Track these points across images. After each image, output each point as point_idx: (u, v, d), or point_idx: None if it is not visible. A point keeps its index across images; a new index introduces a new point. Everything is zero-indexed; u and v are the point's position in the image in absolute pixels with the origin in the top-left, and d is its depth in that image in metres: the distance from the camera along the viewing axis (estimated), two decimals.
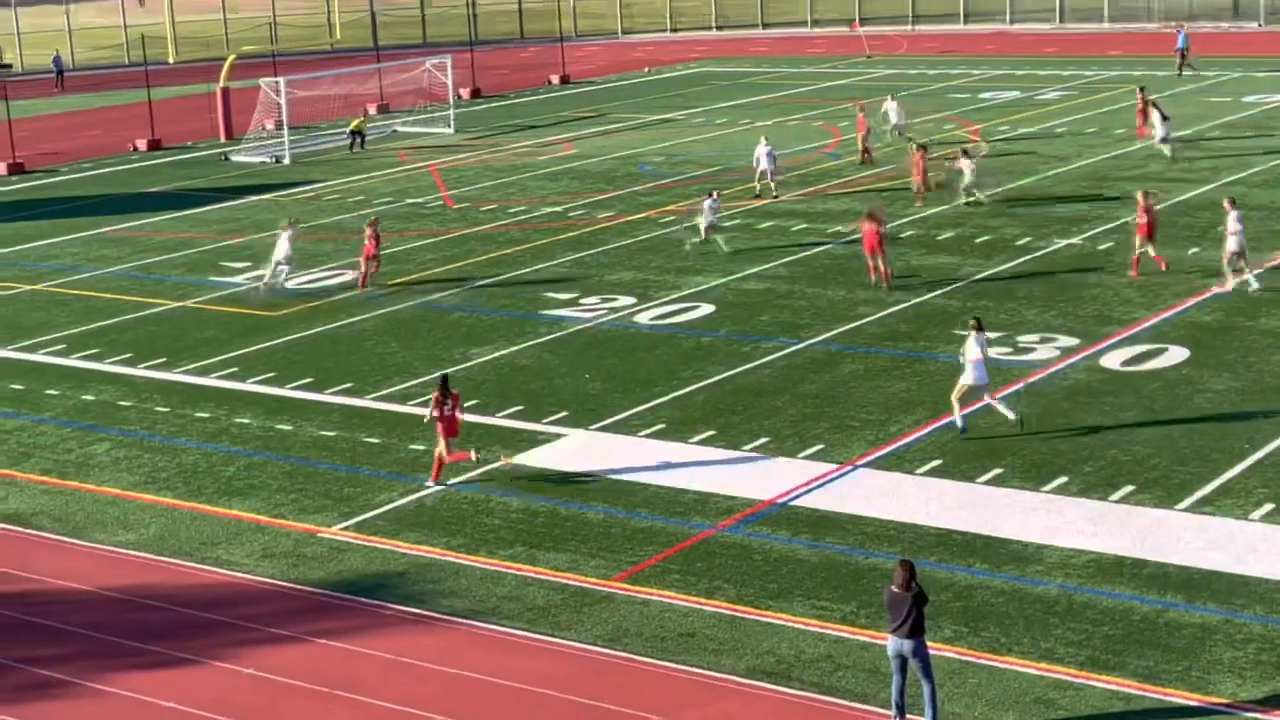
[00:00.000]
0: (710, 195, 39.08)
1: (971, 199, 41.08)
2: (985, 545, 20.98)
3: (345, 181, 50.96)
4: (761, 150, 44.36)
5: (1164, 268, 33.34)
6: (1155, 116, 47.85)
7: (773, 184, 44.22)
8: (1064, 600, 19.33)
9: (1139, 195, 34.09)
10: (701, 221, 38.41)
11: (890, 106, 52.24)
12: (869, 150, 47.92)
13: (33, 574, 21.80)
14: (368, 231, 36.44)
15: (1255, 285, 32.11)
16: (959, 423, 24.96)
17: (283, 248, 36.61)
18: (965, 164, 41.80)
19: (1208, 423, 25.00)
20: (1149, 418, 25.34)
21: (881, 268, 33.87)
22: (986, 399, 25.08)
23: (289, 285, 36.66)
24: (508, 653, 18.82)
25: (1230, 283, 32.26)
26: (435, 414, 24.07)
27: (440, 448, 24.09)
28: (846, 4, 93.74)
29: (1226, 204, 32.66)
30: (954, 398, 25.07)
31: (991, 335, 29.83)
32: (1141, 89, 52.28)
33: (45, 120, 70.95)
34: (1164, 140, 46.94)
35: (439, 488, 23.99)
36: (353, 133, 58.17)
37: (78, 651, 19.50)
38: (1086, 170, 45.44)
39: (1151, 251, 33.42)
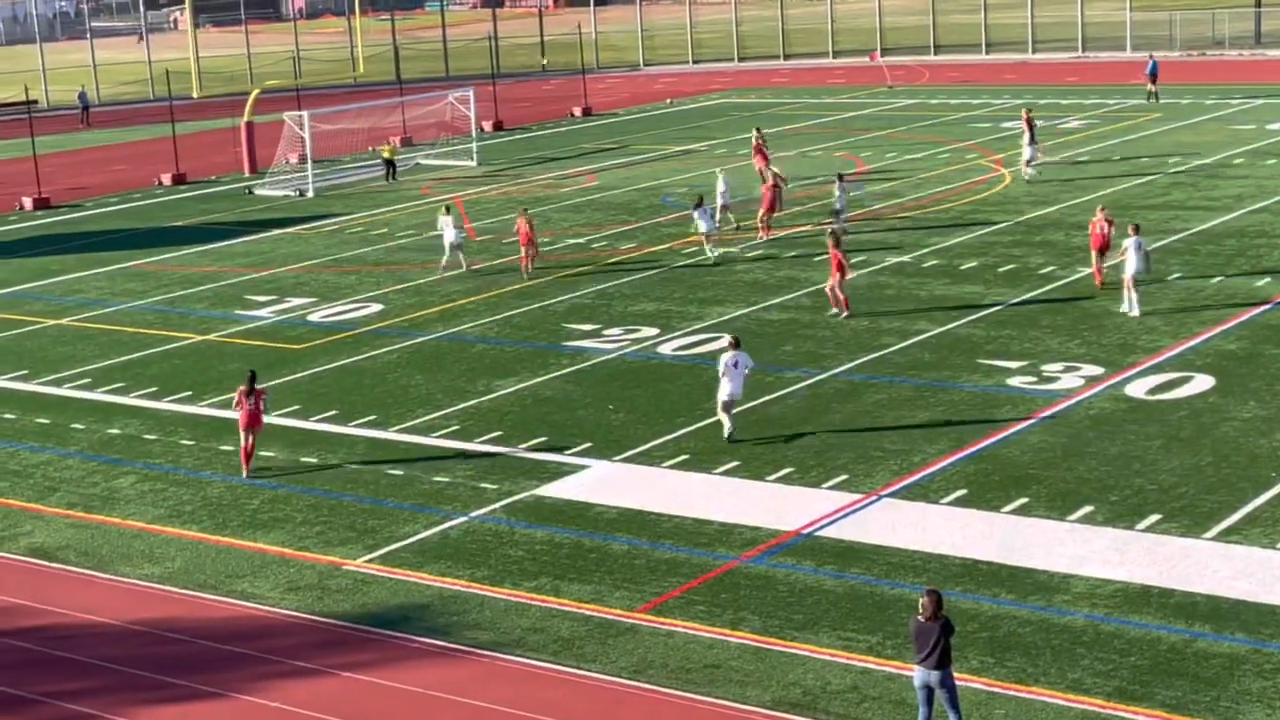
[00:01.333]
0: (699, 203, 41.00)
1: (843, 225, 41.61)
2: (1011, 575, 20.90)
3: (369, 214, 51.13)
4: (719, 186, 44.34)
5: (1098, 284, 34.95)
6: (1026, 136, 49.35)
7: (732, 218, 44.37)
8: (1091, 630, 19.23)
9: (1098, 210, 35.60)
10: (703, 226, 40.56)
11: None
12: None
13: (58, 608, 21.84)
14: (520, 221, 39.86)
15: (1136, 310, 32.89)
16: (727, 428, 26.66)
17: (448, 233, 40.42)
18: (836, 188, 42.91)
19: (1234, 451, 24.90)
20: (1175, 446, 25.25)
21: (840, 295, 34.19)
22: (729, 410, 26.74)
23: (314, 319, 36.80)
24: (532, 685, 18.78)
25: (1132, 308, 32.91)
26: (238, 407, 26.36)
27: (243, 441, 26.38)
28: (867, 35, 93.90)
29: (1130, 230, 33.49)
30: (719, 411, 26.83)
31: (1014, 365, 29.84)
32: (1028, 109, 52.83)
33: (71, 155, 71.37)
34: (1029, 162, 48.91)
35: (248, 481, 26.20)
36: (386, 161, 58.51)
37: (103, 685, 19.52)
38: (1110, 199, 45.33)
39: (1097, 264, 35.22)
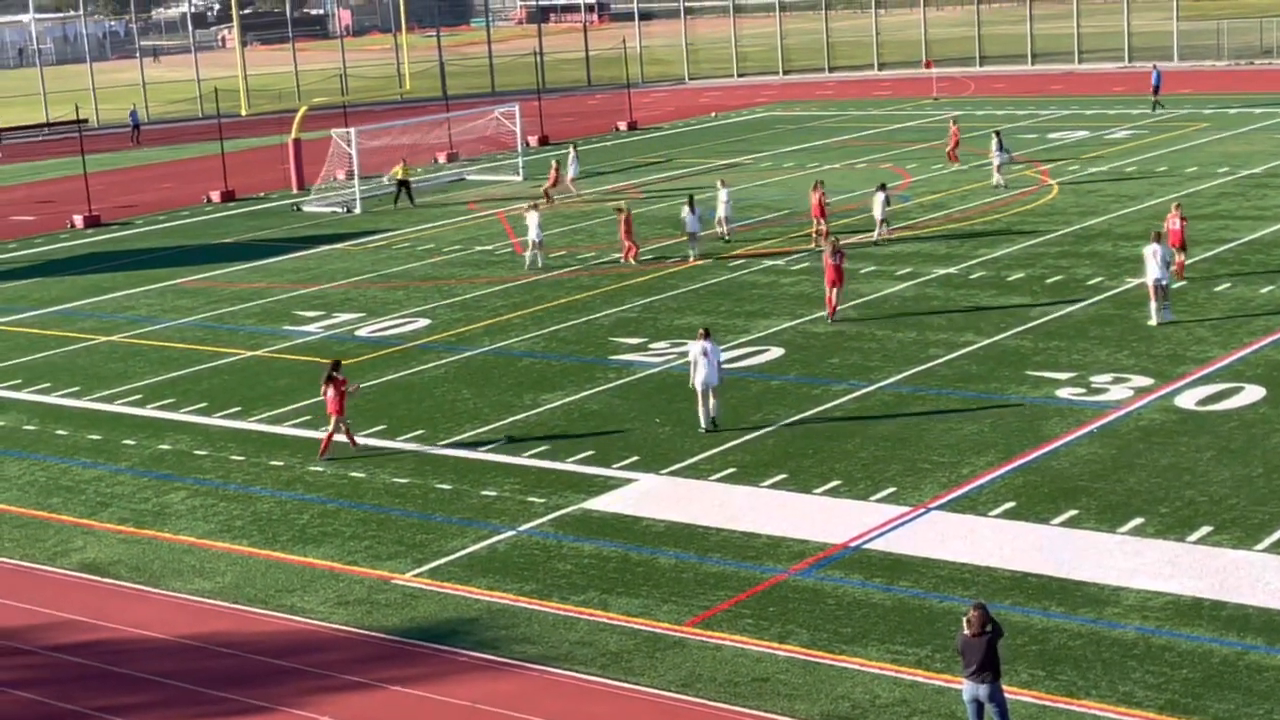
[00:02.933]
0: (690, 203, 43.02)
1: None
2: (1061, 588, 20.79)
3: (415, 230, 51.35)
4: (721, 196, 44.55)
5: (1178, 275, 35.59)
6: (994, 144, 50.87)
7: (726, 232, 44.80)
8: (1142, 643, 19.12)
9: (1173, 208, 36.84)
10: (689, 226, 42.72)
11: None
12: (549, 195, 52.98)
13: (111, 623, 22.01)
14: (620, 218, 41.81)
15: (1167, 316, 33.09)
16: (703, 420, 27.98)
17: (533, 230, 42.57)
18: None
19: None
20: (1226, 458, 25.08)
21: (833, 301, 35.10)
22: (712, 398, 27.90)
23: (361, 334, 36.99)
24: (581, 698, 18.81)
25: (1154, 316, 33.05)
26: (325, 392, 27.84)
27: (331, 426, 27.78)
28: (913, 47, 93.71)
29: (1152, 237, 33.94)
30: (698, 401, 28.07)
31: (1063, 376, 29.70)
32: (954, 120, 55.41)
33: (121, 174, 71.97)
34: (999, 168, 50.28)
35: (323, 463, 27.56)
36: (400, 183, 56.96)
37: (155, 700, 19.65)
38: (1158, 209, 45.11)
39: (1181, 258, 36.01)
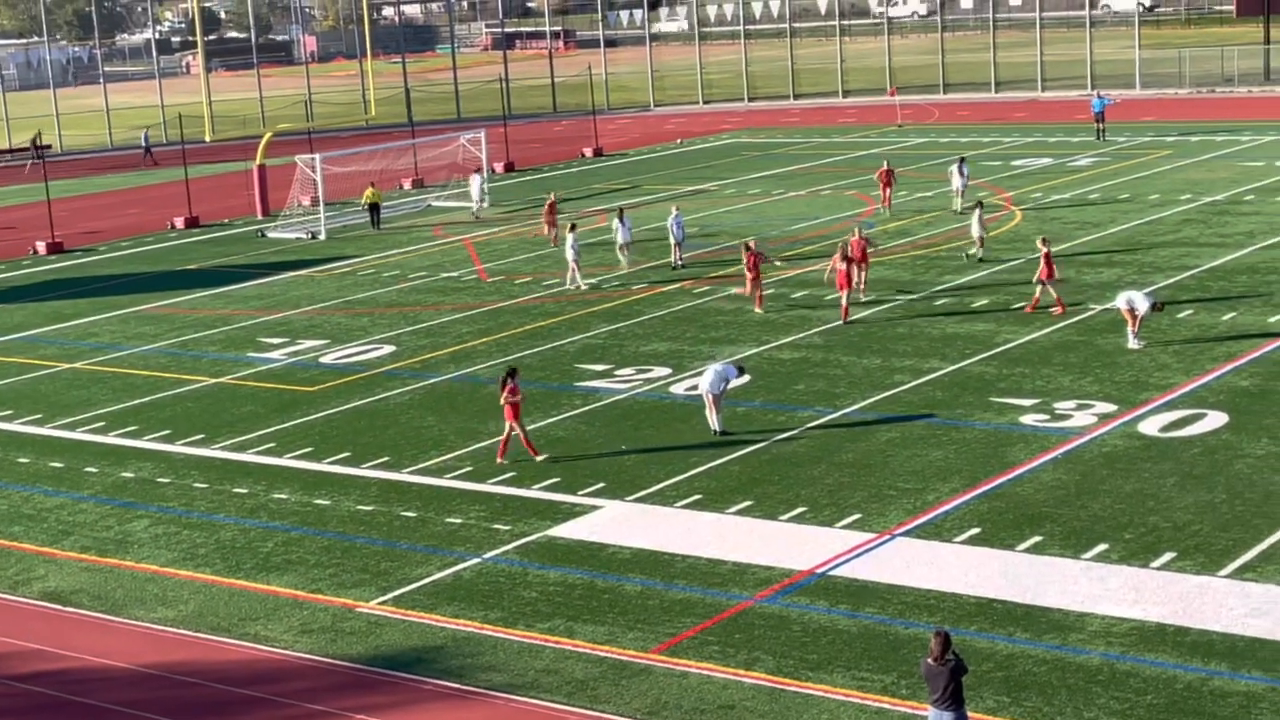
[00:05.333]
0: (620, 213, 45.69)
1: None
2: (1026, 614, 20.84)
3: (381, 256, 51.27)
4: (671, 221, 44.75)
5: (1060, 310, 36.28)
6: (956, 169, 51.65)
7: (683, 258, 45.13)
8: (1107, 669, 19.17)
9: (1039, 241, 37.15)
10: (621, 237, 45.01)
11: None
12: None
13: (72, 652, 21.84)
14: (747, 257, 39.44)
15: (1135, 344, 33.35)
16: (715, 425, 29.12)
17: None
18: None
19: (1248, 488, 24.84)
20: (1189, 484, 25.19)
21: (845, 302, 37.04)
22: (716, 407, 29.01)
23: (324, 361, 36.89)
24: None
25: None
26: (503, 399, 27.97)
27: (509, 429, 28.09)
28: (878, 74, 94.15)
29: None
30: (708, 411, 29.20)
31: (1027, 403, 29.81)
32: (887, 160, 54.43)
33: (84, 200, 71.67)
34: (960, 191, 51.21)
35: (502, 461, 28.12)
36: (370, 207, 57.22)
37: None
38: (1120, 236, 45.39)
39: (1051, 292, 36.51)
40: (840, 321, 37.07)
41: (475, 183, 59.18)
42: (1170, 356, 32.51)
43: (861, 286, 39.06)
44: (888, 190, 51.82)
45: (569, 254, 43.30)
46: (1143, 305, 33.11)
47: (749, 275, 39.14)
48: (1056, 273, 36.68)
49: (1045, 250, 36.41)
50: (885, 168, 52.27)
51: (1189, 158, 60.91)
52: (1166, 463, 26.25)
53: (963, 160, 52.78)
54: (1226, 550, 22.42)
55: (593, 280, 43.61)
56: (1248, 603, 20.68)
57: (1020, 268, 41.91)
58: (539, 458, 28.27)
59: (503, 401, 28.11)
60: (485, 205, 58.70)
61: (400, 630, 21.79)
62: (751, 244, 40.06)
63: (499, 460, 28.29)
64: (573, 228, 44.19)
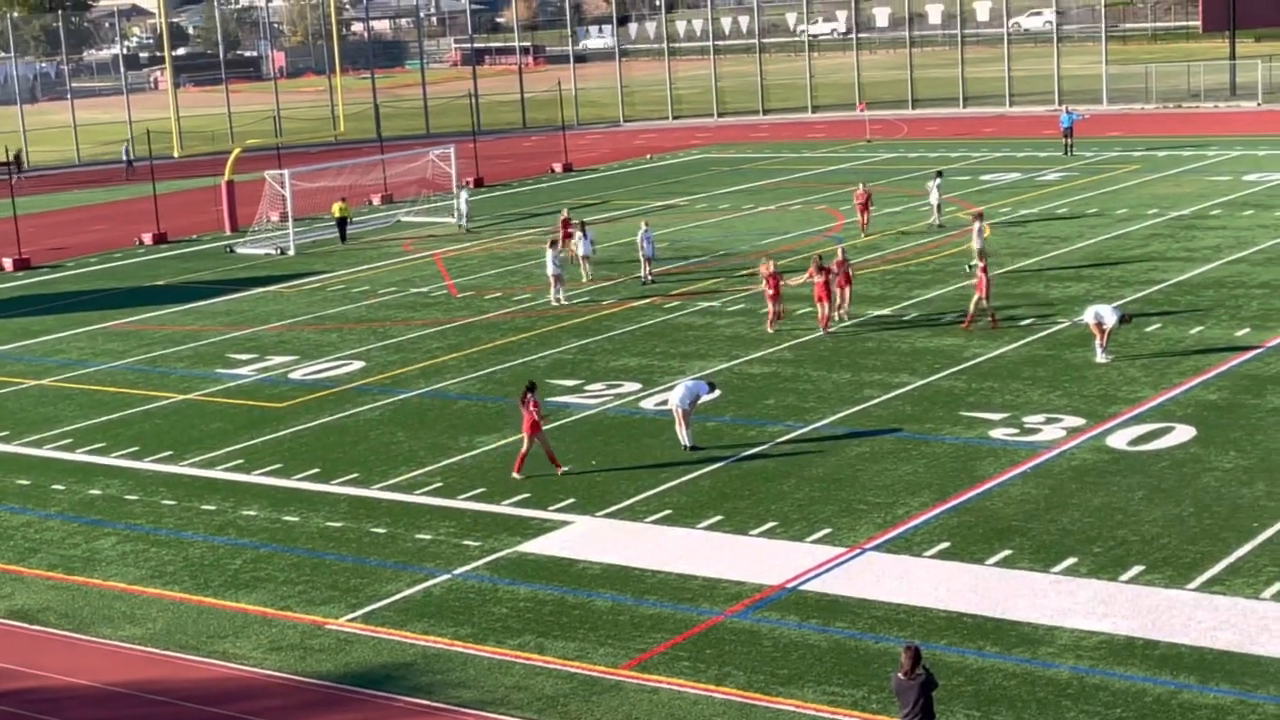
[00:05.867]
0: (582, 226, 46.41)
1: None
2: (996, 628, 20.87)
3: (350, 272, 51.17)
4: (641, 236, 44.82)
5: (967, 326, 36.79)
6: (934, 183, 51.63)
7: (652, 274, 45.15)
8: (1076, 682, 19.21)
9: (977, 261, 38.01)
10: (581, 249, 45.53)
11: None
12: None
13: (39, 670, 21.70)
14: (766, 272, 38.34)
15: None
16: (685, 441, 29.08)
17: (551, 267, 42.90)
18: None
19: (1216, 501, 24.94)
20: (1157, 497, 25.29)
21: (823, 313, 37.20)
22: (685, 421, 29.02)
23: (294, 377, 36.80)
24: None
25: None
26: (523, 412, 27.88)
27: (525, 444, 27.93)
28: (847, 90, 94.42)
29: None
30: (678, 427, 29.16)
31: (996, 417, 29.89)
32: (864, 183, 53.02)
33: (51, 216, 71.36)
34: (937, 206, 51.28)
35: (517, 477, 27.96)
36: (339, 221, 57.47)
37: None
38: (1089, 251, 45.57)
39: (985, 307, 36.79)
40: (821, 331, 37.21)
41: (462, 197, 59.16)
42: (1138, 370, 32.64)
43: (844, 307, 38.53)
44: (865, 215, 50.42)
45: (549, 269, 43.16)
46: (1111, 318, 33.26)
47: (769, 294, 38.05)
48: (987, 290, 36.56)
49: (981, 265, 36.81)
50: (862, 190, 50.90)
51: (1156, 172, 61.24)
52: (1135, 476, 26.35)
53: (939, 174, 52.95)
54: (1194, 563, 22.50)
55: (565, 296, 43.56)
56: (1216, 615, 20.75)
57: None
58: (560, 470, 28.21)
59: (524, 414, 28.04)
60: (467, 220, 58.53)
61: (370, 647, 21.71)
62: (773, 265, 38.66)
63: (515, 474, 28.15)
64: (552, 244, 44.18)
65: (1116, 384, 31.76)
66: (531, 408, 27.93)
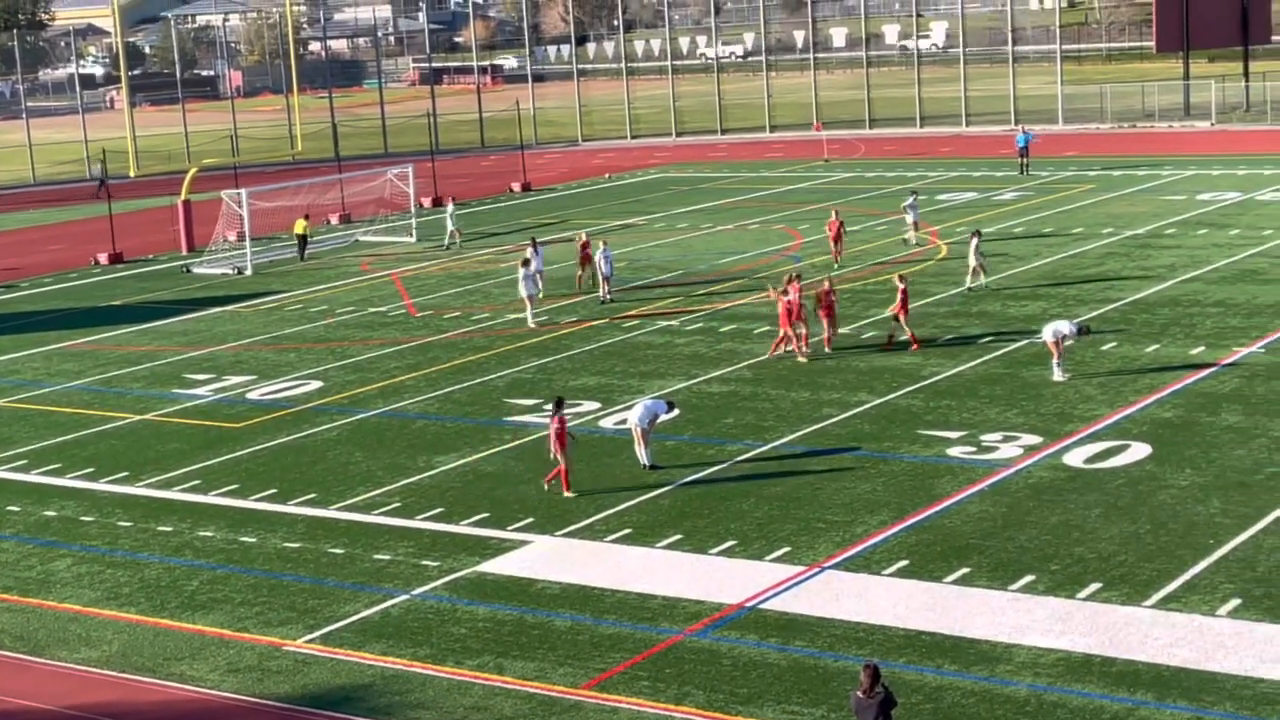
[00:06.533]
0: (534, 243, 46.56)
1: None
2: (954, 646, 20.93)
3: (308, 291, 51.02)
4: (600, 255, 44.86)
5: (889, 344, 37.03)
6: (909, 202, 51.59)
7: (611, 292, 45.13)
8: (1034, 700, 19.26)
9: (896, 278, 37.59)
10: (534, 264, 44.45)
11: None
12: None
13: None
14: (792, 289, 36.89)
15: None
16: (644, 460, 29.00)
17: (525, 286, 42.75)
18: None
19: (1172, 519, 25.08)
20: (1114, 515, 25.41)
21: (803, 331, 36.58)
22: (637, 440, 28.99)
23: (251, 397, 36.64)
24: None
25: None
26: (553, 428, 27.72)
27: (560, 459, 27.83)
28: (804, 110, 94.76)
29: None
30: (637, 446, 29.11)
31: (954, 435, 30.01)
32: (836, 211, 50.58)
33: (5, 235, 70.93)
34: (914, 225, 51.42)
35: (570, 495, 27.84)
36: (299, 238, 57.68)
37: None
38: (1045, 270, 45.82)
39: (904, 329, 36.90)
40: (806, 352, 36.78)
41: (448, 212, 59.03)
42: (1094, 388, 32.82)
43: (827, 337, 37.35)
44: (838, 244, 48.35)
45: (522, 289, 42.93)
46: (1068, 329, 33.42)
47: (795, 318, 36.61)
48: (903, 310, 36.67)
49: (902, 287, 36.79)
50: (835, 219, 48.73)
51: (1111, 192, 61.65)
52: (1091, 494, 26.48)
53: (914, 194, 53.05)
54: (1151, 580, 22.62)
55: (518, 315, 43.54)
56: (1172, 632, 20.86)
57: (945, 300, 42.24)
58: (567, 493, 27.99)
59: (553, 429, 27.94)
60: (458, 236, 58.18)
61: (328, 668, 21.61)
62: (784, 288, 37.35)
63: (566, 493, 27.97)
64: (525, 263, 44.07)
65: (1073, 402, 31.93)
66: (557, 424, 27.81)
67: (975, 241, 43.05)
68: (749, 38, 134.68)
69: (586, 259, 46.80)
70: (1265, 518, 24.81)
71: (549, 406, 29.41)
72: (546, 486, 28.19)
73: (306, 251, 57.70)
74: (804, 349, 36.69)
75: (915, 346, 36.82)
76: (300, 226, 57.97)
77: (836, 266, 48.19)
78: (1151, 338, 36.85)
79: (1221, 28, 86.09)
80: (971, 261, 42.97)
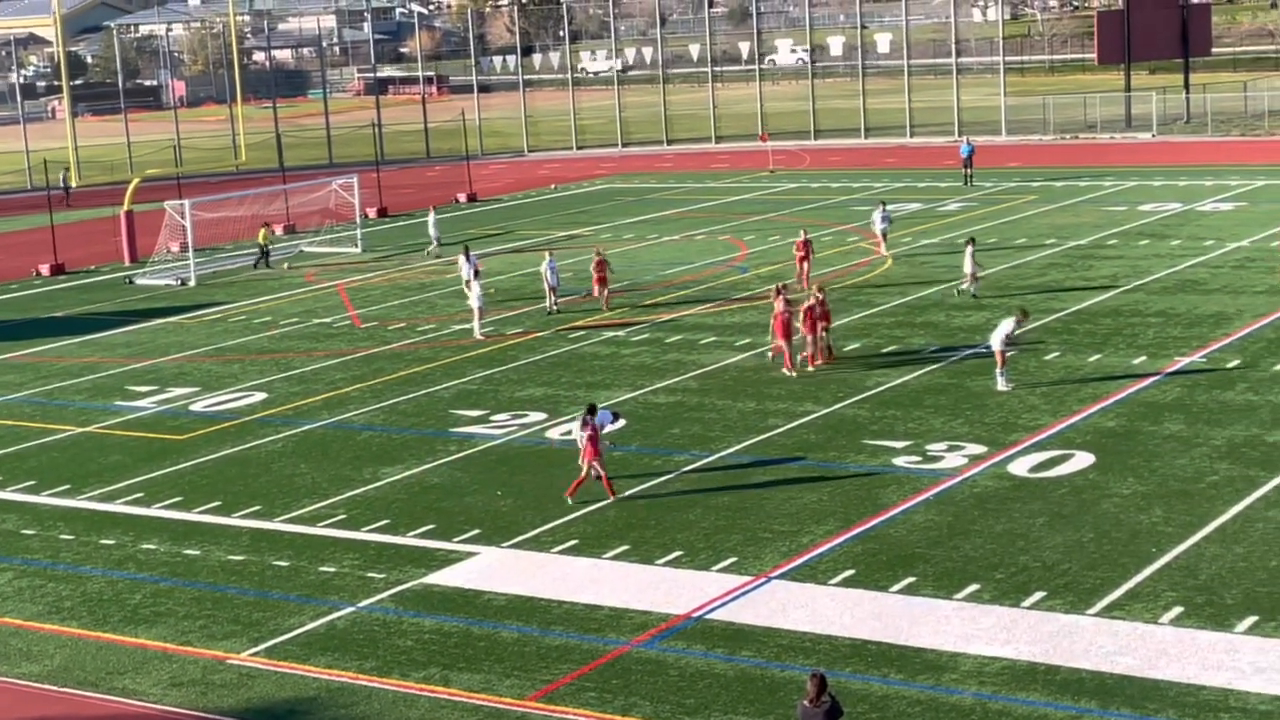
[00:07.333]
0: (466, 252, 46.84)
1: None
2: (900, 655, 21.00)
3: (252, 303, 50.75)
4: (545, 266, 44.85)
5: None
6: (879, 213, 51.57)
7: (557, 303, 45.05)
8: (979, 709, 19.35)
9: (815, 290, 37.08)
10: (468, 284, 44.36)
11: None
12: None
13: None
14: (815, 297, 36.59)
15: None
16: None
17: (476, 300, 42.63)
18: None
19: (1115, 527, 25.26)
20: (1058, 524, 25.57)
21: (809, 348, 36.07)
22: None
23: (194, 408, 36.41)
24: None
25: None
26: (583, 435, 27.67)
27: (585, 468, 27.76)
28: (749, 121, 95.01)
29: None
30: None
31: (899, 445, 30.12)
32: (804, 230, 48.26)
33: None
34: (883, 231, 51.41)
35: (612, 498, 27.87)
36: (261, 248, 57.89)
37: None
38: (989, 280, 46.06)
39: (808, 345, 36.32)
40: (809, 367, 36.43)
41: (430, 219, 58.82)
42: (1038, 398, 33.02)
43: (810, 354, 36.63)
44: (805, 265, 45.65)
45: (474, 302, 42.72)
46: (1010, 324, 33.50)
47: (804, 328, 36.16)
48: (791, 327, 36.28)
49: (821, 297, 36.53)
50: (803, 239, 46.26)
51: (1054, 202, 62.08)
52: (1036, 503, 26.63)
53: (883, 204, 52.99)
54: (1094, 589, 22.76)
55: (464, 326, 43.45)
56: (1116, 640, 21.00)
57: (891, 311, 42.42)
58: (612, 497, 27.97)
59: (584, 439, 27.81)
60: (437, 243, 58.06)
61: (273, 682, 21.48)
62: (814, 293, 36.93)
63: (610, 497, 27.87)
64: (476, 274, 44.01)
65: (1017, 411, 32.11)
66: (591, 431, 27.72)
67: (970, 249, 43.33)
68: (695, 48, 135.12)
69: (602, 279, 44.99)
70: (1207, 526, 25.03)
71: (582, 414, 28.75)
72: (570, 500, 27.99)
73: (271, 260, 57.63)
74: (792, 366, 36.04)
75: (829, 359, 36.58)
76: (263, 236, 58.10)
77: (802, 291, 45.49)
78: (1094, 348, 37.11)
79: (1162, 40, 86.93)
80: (967, 268, 43.24)
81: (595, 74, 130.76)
